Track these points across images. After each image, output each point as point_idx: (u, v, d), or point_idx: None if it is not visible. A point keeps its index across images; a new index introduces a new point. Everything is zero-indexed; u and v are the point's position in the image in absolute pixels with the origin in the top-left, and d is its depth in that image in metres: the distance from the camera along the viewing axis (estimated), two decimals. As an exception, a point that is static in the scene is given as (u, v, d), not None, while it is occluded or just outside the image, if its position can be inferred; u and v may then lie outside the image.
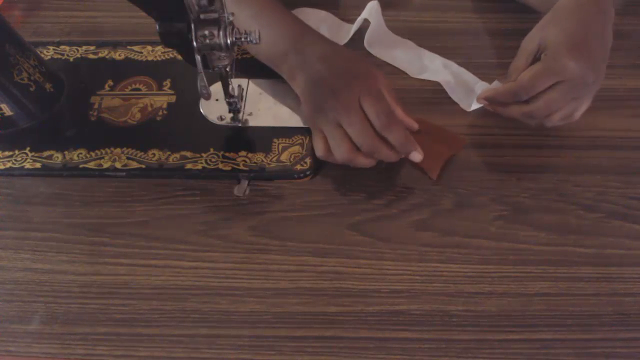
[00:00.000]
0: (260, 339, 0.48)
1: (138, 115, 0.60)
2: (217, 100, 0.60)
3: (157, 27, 0.46)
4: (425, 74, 0.63)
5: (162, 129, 0.59)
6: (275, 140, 0.58)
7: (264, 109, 0.60)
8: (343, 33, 0.66)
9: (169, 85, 0.63)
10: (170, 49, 0.65)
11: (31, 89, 0.59)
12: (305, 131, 0.58)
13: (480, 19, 0.68)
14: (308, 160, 0.56)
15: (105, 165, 0.57)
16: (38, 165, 0.57)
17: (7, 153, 0.58)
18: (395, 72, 0.64)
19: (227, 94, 0.55)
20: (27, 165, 0.57)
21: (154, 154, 0.57)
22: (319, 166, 0.57)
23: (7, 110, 0.58)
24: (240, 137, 0.59)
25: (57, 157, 0.58)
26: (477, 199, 0.55)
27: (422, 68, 0.64)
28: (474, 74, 0.62)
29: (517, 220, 0.54)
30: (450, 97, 0.61)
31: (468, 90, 0.61)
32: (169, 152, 0.57)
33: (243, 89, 0.61)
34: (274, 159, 0.57)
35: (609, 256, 0.52)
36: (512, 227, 0.53)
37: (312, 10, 0.68)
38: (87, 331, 0.49)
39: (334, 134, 0.52)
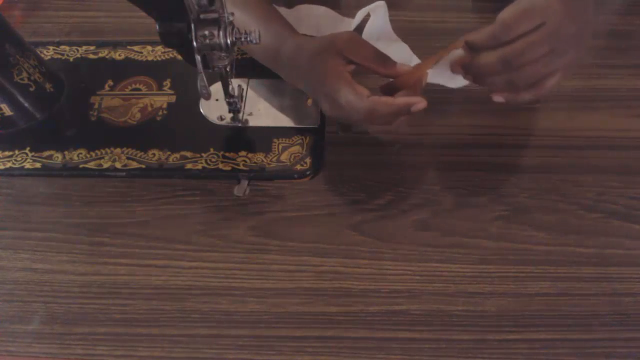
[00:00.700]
0: (260, 339, 0.48)
1: (138, 115, 0.60)
2: (217, 100, 0.60)
3: (157, 27, 0.45)
4: None
5: (162, 129, 0.59)
6: (275, 140, 0.58)
7: (264, 109, 0.60)
8: (343, 28, 0.66)
9: (169, 85, 0.63)
10: (170, 49, 0.65)
11: (31, 89, 0.59)
12: (305, 131, 0.58)
13: (480, 19, 0.68)
14: (308, 160, 0.56)
15: (105, 165, 0.57)
16: (38, 165, 0.57)
17: (7, 153, 0.58)
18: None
19: (227, 94, 0.55)
20: (27, 165, 0.57)
21: (154, 154, 0.57)
22: (319, 166, 0.57)
23: (7, 110, 0.58)
24: (240, 137, 0.59)
25: (57, 157, 0.58)
26: (477, 199, 0.55)
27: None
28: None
29: (517, 220, 0.54)
30: (448, 97, 0.61)
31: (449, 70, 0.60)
32: (169, 152, 0.57)
33: (243, 89, 0.61)
34: (274, 159, 0.57)
35: (609, 256, 0.52)
36: (512, 227, 0.53)
37: (312, 7, 0.68)
38: (87, 331, 0.49)
39: (339, 115, 0.52)
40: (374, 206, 0.55)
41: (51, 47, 0.67)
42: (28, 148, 0.59)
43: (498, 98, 0.50)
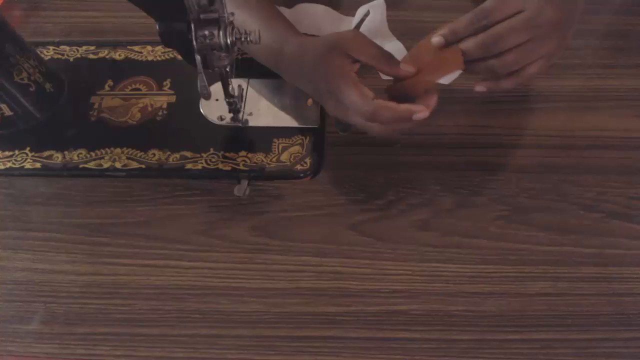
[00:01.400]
0: (260, 339, 0.48)
1: (138, 115, 0.60)
2: (217, 100, 0.60)
3: (157, 27, 0.45)
4: None
5: (162, 129, 0.59)
6: (275, 140, 0.58)
7: (264, 109, 0.60)
8: (344, 27, 0.66)
9: (169, 85, 0.63)
10: (170, 49, 0.65)
11: (31, 89, 0.59)
12: (306, 131, 0.58)
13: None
14: (308, 160, 0.56)
15: (105, 165, 0.57)
16: (38, 165, 0.57)
17: (7, 153, 0.58)
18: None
19: (227, 94, 0.55)
20: (27, 165, 0.57)
21: (154, 154, 0.57)
22: (319, 166, 0.57)
23: (7, 111, 0.58)
24: (240, 137, 0.59)
25: (57, 157, 0.58)
26: (477, 199, 0.55)
27: None
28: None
29: (517, 220, 0.54)
30: (449, 97, 0.61)
31: None
32: (169, 152, 0.57)
33: (243, 89, 0.61)
34: (274, 159, 0.57)
35: (609, 256, 0.52)
36: (512, 227, 0.53)
37: (312, 6, 0.68)
38: (87, 331, 0.49)
39: (342, 115, 0.52)
40: (374, 206, 0.55)
41: (51, 47, 0.67)
42: (28, 148, 0.59)
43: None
